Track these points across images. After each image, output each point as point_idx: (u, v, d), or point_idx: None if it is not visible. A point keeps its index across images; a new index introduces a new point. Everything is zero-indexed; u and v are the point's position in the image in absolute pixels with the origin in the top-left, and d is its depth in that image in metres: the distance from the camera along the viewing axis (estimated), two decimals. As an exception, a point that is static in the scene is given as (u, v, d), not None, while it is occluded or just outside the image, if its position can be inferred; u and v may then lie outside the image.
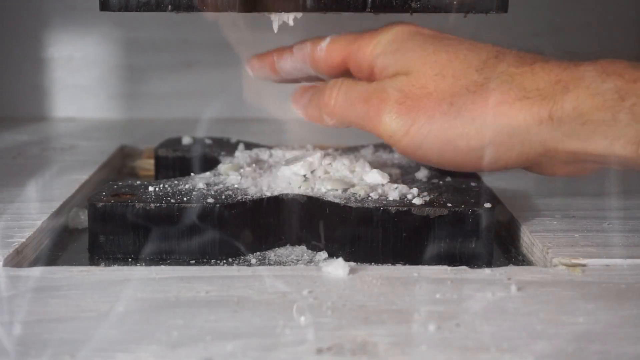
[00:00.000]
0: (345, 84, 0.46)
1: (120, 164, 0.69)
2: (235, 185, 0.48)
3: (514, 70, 0.42)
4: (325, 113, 0.46)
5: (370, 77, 0.47)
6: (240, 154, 0.55)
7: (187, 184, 0.48)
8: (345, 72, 0.48)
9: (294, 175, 0.47)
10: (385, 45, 0.46)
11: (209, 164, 0.54)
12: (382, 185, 0.46)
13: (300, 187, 0.47)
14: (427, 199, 0.45)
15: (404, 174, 0.51)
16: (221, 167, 0.51)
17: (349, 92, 0.45)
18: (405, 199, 0.45)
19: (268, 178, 0.48)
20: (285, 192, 0.47)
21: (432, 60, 0.44)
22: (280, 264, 0.45)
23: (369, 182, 0.47)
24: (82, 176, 0.57)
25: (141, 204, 0.44)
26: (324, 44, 0.48)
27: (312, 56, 0.49)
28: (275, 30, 0.48)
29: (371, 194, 0.46)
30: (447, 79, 0.43)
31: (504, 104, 0.42)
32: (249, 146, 0.59)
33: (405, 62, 0.45)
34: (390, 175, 0.48)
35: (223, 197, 0.45)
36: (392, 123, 0.44)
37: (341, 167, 0.49)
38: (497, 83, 0.42)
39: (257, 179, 0.48)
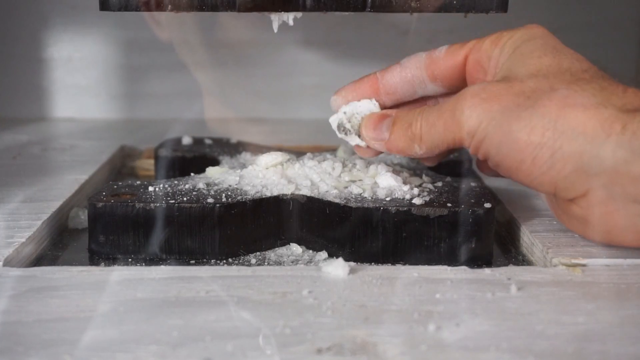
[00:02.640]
0: (425, 108, 0.45)
1: (120, 164, 0.69)
2: (235, 185, 0.48)
3: (607, 85, 0.40)
4: (416, 144, 0.44)
5: (486, 74, 0.45)
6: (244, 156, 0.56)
7: (187, 184, 0.48)
8: (462, 78, 0.47)
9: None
10: (505, 43, 0.44)
11: (209, 164, 0.54)
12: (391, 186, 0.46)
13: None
14: (427, 199, 0.45)
15: (412, 174, 0.51)
16: (209, 171, 0.50)
17: (430, 114, 0.44)
18: (405, 199, 0.45)
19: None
20: (284, 192, 0.47)
21: (532, 63, 0.42)
22: (280, 264, 0.45)
23: (382, 185, 0.47)
24: (82, 176, 0.57)
25: (141, 204, 0.44)
26: (443, 47, 0.47)
27: (429, 59, 0.47)
28: (275, 30, 0.48)
29: (369, 194, 0.46)
30: (537, 78, 0.41)
31: (578, 106, 0.39)
32: (247, 147, 0.59)
33: (511, 62, 0.43)
34: (402, 177, 0.48)
35: (223, 197, 0.45)
36: (465, 116, 0.41)
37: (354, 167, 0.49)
38: (583, 87, 0.39)
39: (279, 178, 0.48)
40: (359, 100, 0.48)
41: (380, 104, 0.48)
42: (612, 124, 0.38)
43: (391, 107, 0.49)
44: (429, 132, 0.44)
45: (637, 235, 0.40)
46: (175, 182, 0.48)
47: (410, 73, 0.48)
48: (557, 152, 0.39)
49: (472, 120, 0.41)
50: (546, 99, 0.39)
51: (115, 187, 0.47)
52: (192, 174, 0.50)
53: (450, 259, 0.44)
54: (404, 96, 0.49)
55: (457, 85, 0.47)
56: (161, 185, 0.47)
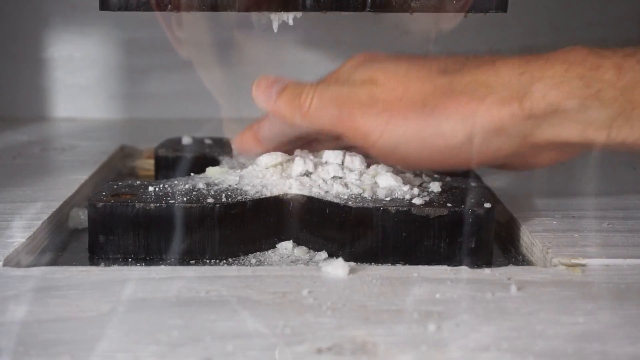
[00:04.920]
0: (319, 87, 0.47)
1: (120, 164, 0.69)
2: (235, 185, 0.48)
3: (476, 70, 0.43)
4: (298, 114, 0.46)
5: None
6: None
7: (187, 184, 0.48)
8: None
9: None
10: (347, 72, 0.47)
11: (209, 164, 0.54)
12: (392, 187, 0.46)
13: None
14: (427, 199, 0.45)
15: (412, 174, 0.51)
16: (209, 171, 0.50)
17: (323, 95, 0.46)
18: (405, 199, 0.45)
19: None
20: (284, 192, 0.47)
21: (393, 69, 0.45)
22: (280, 264, 0.45)
23: (382, 185, 0.47)
24: (82, 176, 0.57)
25: (141, 204, 0.44)
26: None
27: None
28: (275, 30, 0.49)
29: (369, 194, 0.46)
30: (413, 82, 0.44)
31: (474, 101, 0.42)
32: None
33: (369, 74, 0.46)
34: (402, 177, 0.48)
35: (223, 197, 0.45)
36: (365, 125, 0.44)
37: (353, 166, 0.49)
38: (463, 83, 0.43)
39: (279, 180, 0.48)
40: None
41: (266, 150, 0.50)
42: (510, 106, 0.41)
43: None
44: (319, 112, 0.46)
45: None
46: (175, 182, 0.48)
47: (277, 124, 0.50)
48: (477, 142, 0.42)
49: (372, 128, 0.44)
50: (441, 104, 0.43)
51: (115, 187, 0.47)
52: (192, 174, 0.50)
53: (450, 259, 0.44)
54: (285, 143, 0.51)
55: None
56: (161, 185, 0.47)
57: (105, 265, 0.44)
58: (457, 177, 0.51)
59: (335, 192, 0.46)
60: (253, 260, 0.45)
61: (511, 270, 0.40)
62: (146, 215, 0.44)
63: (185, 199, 0.45)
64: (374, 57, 0.48)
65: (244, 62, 0.84)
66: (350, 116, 0.45)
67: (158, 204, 0.44)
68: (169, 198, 0.45)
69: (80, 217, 0.51)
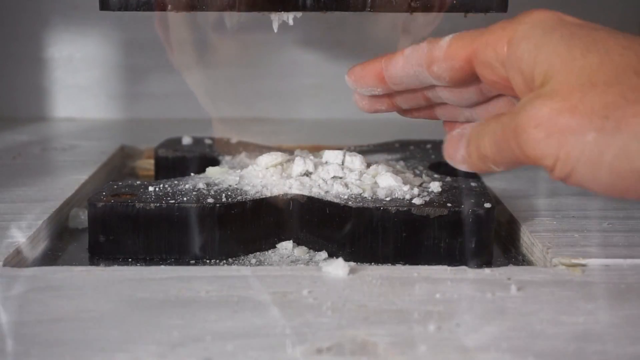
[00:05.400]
0: (491, 124, 0.39)
1: (120, 164, 0.69)
2: (235, 185, 0.48)
3: None
4: (489, 164, 0.40)
5: (501, 80, 0.40)
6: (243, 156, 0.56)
7: (187, 184, 0.48)
8: (470, 77, 0.42)
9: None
10: (521, 39, 0.38)
11: (209, 164, 0.54)
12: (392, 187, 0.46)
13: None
14: (427, 199, 0.45)
15: (412, 174, 0.51)
16: (209, 171, 0.50)
17: (495, 134, 0.38)
18: (405, 199, 0.45)
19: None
20: (285, 192, 0.47)
21: (579, 66, 0.35)
22: (280, 264, 0.45)
23: (382, 185, 0.47)
24: (82, 176, 0.57)
25: (141, 204, 0.44)
26: (444, 41, 0.41)
27: (429, 57, 0.42)
28: (275, 30, 0.49)
29: (369, 194, 0.46)
30: (598, 87, 0.34)
31: None
32: (247, 147, 0.59)
33: (546, 65, 0.37)
34: (402, 177, 0.48)
35: (223, 197, 0.45)
36: (536, 153, 0.35)
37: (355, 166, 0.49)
38: None
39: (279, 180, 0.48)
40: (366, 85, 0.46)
41: (387, 89, 0.46)
42: None
43: (400, 92, 0.46)
44: (499, 155, 0.39)
45: None
46: (175, 182, 0.48)
47: (412, 69, 0.43)
48: None
49: (546, 158, 0.35)
50: (630, 116, 0.33)
51: (115, 187, 0.47)
52: (192, 174, 0.50)
53: (450, 259, 0.44)
54: (411, 86, 0.45)
55: (466, 83, 0.43)
56: (161, 185, 0.47)
57: (105, 265, 0.44)
58: (457, 177, 0.51)
59: (335, 192, 0.46)
60: (253, 260, 0.45)
61: (511, 270, 0.40)
62: (146, 215, 0.44)
63: (185, 199, 0.45)
64: (562, 26, 0.38)
65: (244, 62, 0.84)
66: (520, 149, 0.36)
67: (158, 204, 0.44)
68: (169, 198, 0.45)
69: (80, 217, 0.51)
